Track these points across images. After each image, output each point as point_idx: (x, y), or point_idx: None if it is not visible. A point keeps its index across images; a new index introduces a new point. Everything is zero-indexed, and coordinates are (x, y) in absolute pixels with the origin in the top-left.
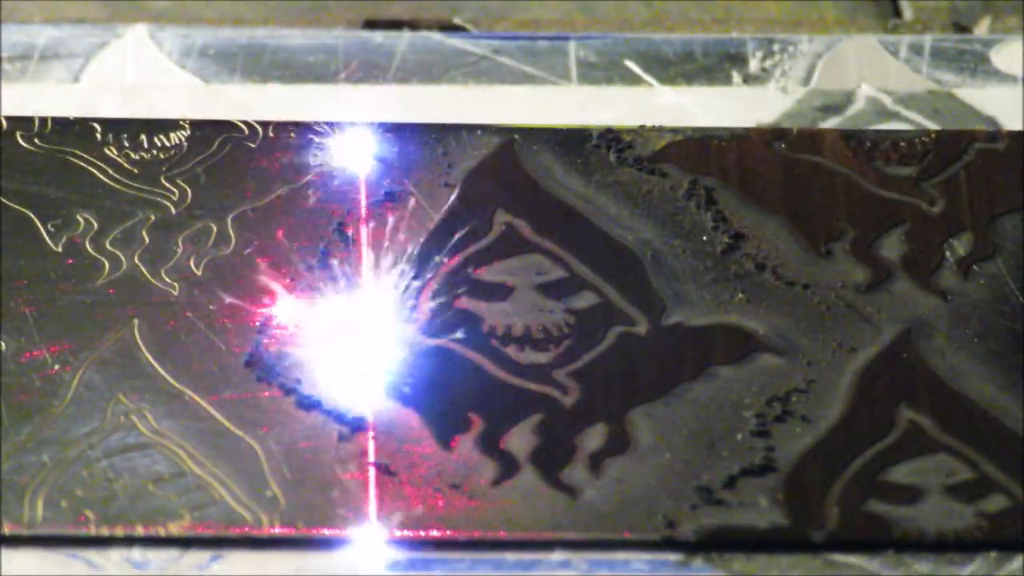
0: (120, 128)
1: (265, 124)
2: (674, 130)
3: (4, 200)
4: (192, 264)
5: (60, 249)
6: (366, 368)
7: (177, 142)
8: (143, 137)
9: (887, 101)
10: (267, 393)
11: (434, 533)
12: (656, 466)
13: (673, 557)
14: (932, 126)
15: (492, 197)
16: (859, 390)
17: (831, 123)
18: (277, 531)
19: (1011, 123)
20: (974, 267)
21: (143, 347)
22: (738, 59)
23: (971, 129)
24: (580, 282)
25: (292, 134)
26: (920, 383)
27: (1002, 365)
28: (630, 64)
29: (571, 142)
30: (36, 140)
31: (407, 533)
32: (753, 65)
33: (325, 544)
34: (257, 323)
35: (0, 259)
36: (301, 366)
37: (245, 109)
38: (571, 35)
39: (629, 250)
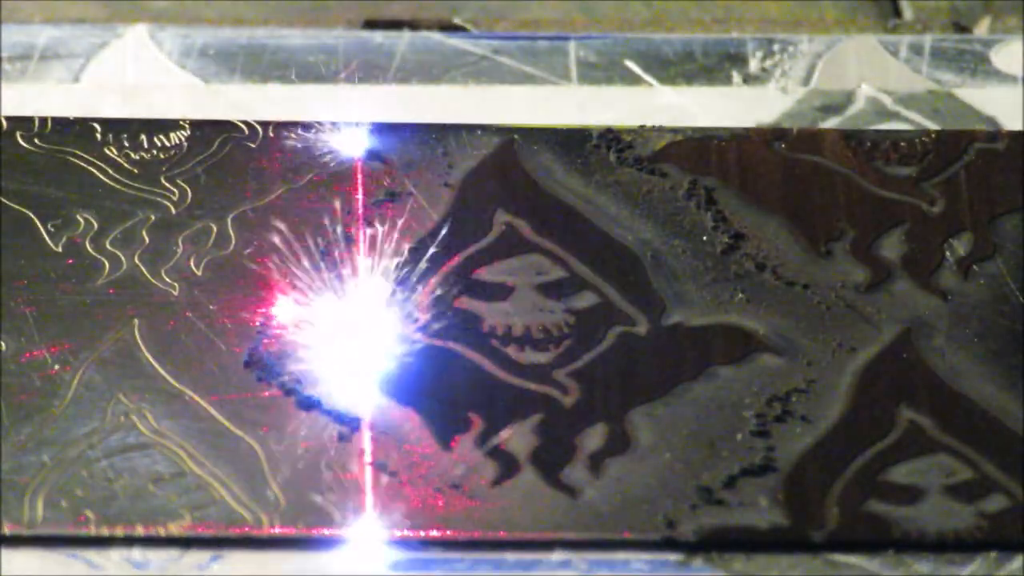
0: (120, 128)
1: (265, 124)
2: (674, 130)
3: (4, 200)
4: (192, 264)
5: (60, 249)
6: (366, 368)
7: (177, 142)
8: (143, 137)
9: (887, 101)
10: (267, 393)
11: (434, 533)
12: (656, 466)
13: (673, 557)
14: (932, 126)
15: (492, 197)
16: (859, 390)
17: (831, 123)
18: (277, 531)
19: (1011, 123)
20: (974, 267)
21: (143, 347)
22: (738, 59)
23: (971, 129)
24: (580, 282)
25: (292, 134)
26: (920, 383)
27: (1002, 365)
28: (630, 64)
29: (571, 142)
30: (36, 140)
31: (407, 533)
32: (753, 65)
33: (325, 544)
34: (257, 323)
35: (0, 259)
36: (301, 366)
37: (245, 109)
38: (571, 35)
39: (629, 250)
